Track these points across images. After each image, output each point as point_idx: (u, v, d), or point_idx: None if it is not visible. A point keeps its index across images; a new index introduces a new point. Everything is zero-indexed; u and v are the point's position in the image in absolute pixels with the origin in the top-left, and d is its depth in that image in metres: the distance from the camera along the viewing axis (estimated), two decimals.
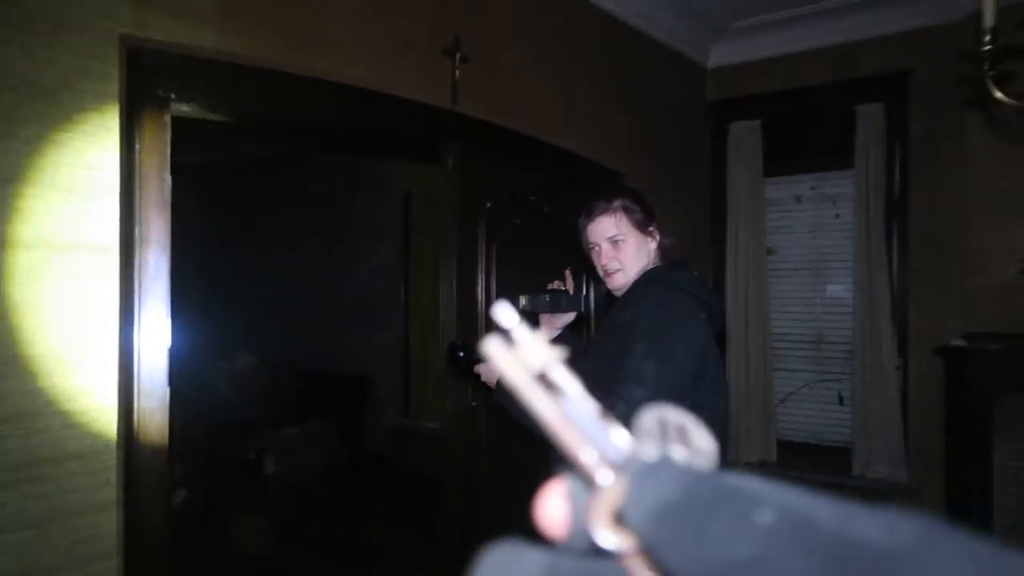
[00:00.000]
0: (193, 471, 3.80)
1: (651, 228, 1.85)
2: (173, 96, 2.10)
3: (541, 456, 1.70)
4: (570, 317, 1.99)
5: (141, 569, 1.97)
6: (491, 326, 2.85)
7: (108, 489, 1.88)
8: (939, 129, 4.12)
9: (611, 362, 1.59)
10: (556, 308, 1.99)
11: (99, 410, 1.89)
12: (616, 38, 4.03)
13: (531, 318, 2.00)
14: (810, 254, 4.71)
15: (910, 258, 4.24)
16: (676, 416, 0.29)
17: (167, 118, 2.08)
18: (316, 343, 6.98)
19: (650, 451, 0.27)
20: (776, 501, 0.24)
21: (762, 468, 4.56)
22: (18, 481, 1.73)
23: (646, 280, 1.79)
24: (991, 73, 1.74)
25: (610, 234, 1.83)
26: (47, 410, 1.79)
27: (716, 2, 4.30)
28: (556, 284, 2.04)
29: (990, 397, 3.66)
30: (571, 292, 1.99)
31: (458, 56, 2.95)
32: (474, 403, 2.94)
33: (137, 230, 2.00)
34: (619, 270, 1.84)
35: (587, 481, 0.28)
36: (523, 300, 1.98)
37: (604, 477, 0.27)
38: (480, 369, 1.90)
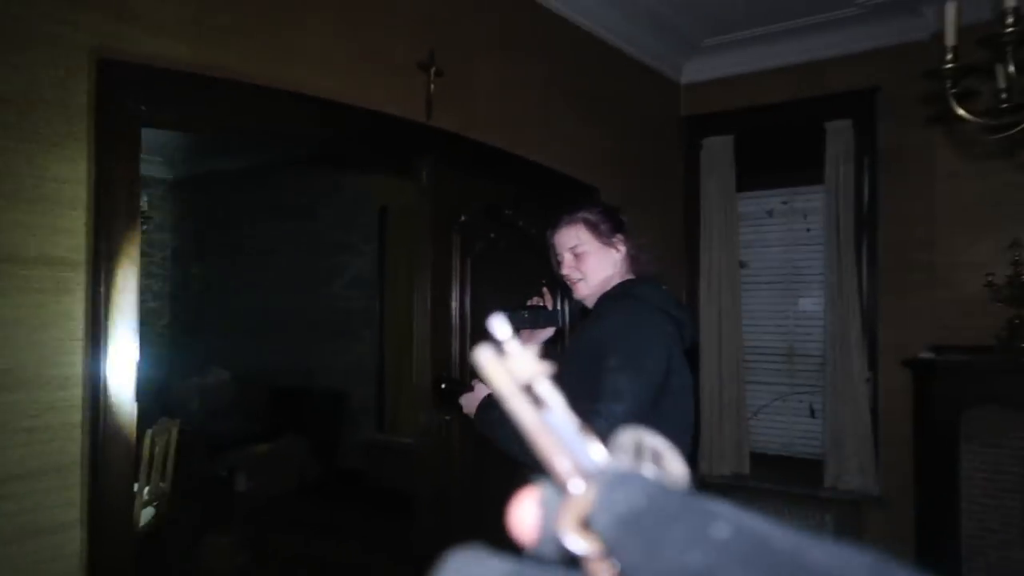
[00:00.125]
0: (164, 488, 3.72)
1: (614, 239, 1.85)
2: (144, 108, 2.07)
3: (515, 471, 1.70)
4: (549, 332, 2.00)
5: None
6: (465, 339, 2.84)
7: (71, 508, 1.84)
8: (906, 145, 4.20)
9: (582, 375, 1.60)
10: (535, 324, 2.00)
11: (64, 427, 1.85)
12: (591, 54, 4.07)
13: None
14: (782, 268, 4.77)
15: (879, 272, 4.31)
16: (652, 439, 0.30)
17: (137, 131, 2.06)
18: (290, 358, 6.92)
19: (623, 464, 0.29)
20: (735, 519, 0.26)
21: (735, 480, 4.59)
22: None
23: (615, 294, 1.81)
24: (953, 90, 1.78)
25: (571, 244, 1.86)
26: (10, 427, 1.75)
27: (689, 20, 4.36)
28: (535, 300, 2.05)
29: (957, 408, 3.71)
30: (549, 308, 2.00)
31: (433, 70, 2.96)
32: (448, 417, 2.92)
33: (105, 244, 1.97)
34: (581, 280, 1.86)
35: (560, 488, 0.29)
36: (507, 316, 1.98)
37: (576, 485, 0.29)
38: (462, 400, 1.90)
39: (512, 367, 0.31)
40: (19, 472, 1.76)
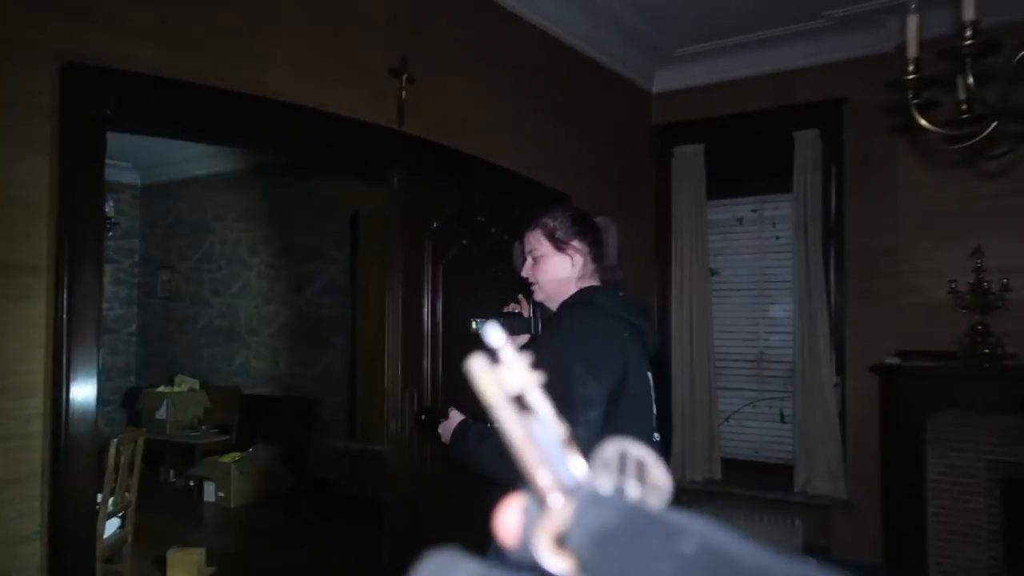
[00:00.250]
0: (129, 498, 3.65)
1: (570, 246, 1.84)
2: (109, 112, 2.04)
3: (485, 481, 1.70)
4: (524, 339, 2.01)
5: None
6: (437, 346, 2.82)
7: (32, 519, 1.80)
8: (871, 155, 4.28)
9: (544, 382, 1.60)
10: (510, 331, 2.00)
11: (24, 436, 1.81)
12: (563, 62, 4.09)
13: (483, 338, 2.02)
14: (752, 275, 4.82)
15: (846, 279, 4.37)
16: (636, 450, 0.30)
17: (102, 134, 2.03)
18: (260, 366, 6.84)
19: (603, 481, 0.29)
20: (703, 535, 0.26)
21: (707, 486, 4.62)
22: None
23: (572, 302, 1.82)
24: (916, 101, 1.82)
25: (530, 248, 1.88)
26: None
27: (660, 29, 4.40)
28: (511, 307, 2.06)
29: (922, 413, 3.78)
30: (525, 315, 2.01)
31: (405, 77, 2.95)
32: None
33: (68, 249, 1.93)
34: (535, 284, 1.88)
35: (540, 501, 0.30)
36: (476, 322, 1.99)
37: (554, 499, 0.29)
38: (440, 428, 1.90)
39: (502, 377, 0.31)
40: None
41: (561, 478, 0.30)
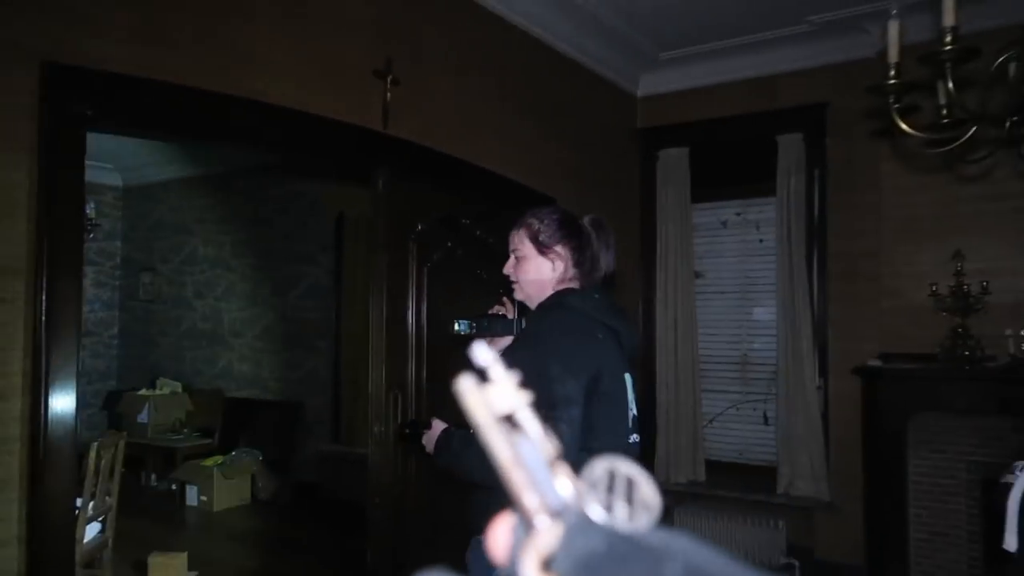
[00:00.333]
0: (109, 503, 3.61)
1: (553, 249, 1.84)
2: (90, 112, 2.02)
3: (469, 486, 1.70)
4: (507, 340, 2.01)
5: None
6: (422, 349, 2.81)
7: (9, 524, 1.77)
8: (853, 159, 4.32)
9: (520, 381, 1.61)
10: (492, 332, 2.01)
11: (2, 440, 1.78)
12: (548, 66, 4.10)
13: (467, 340, 2.04)
14: (736, 278, 4.85)
15: (829, 281, 4.41)
16: (626, 468, 0.30)
17: (82, 134, 2.01)
18: (243, 368, 6.80)
19: (591, 501, 0.30)
20: (687, 559, 0.27)
21: (691, 488, 4.63)
22: None
23: (548, 303, 1.83)
24: (897, 106, 1.83)
25: (513, 247, 1.89)
26: None
27: (645, 34, 4.42)
28: (495, 309, 2.06)
29: (904, 415, 3.81)
30: (509, 316, 2.01)
31: (389, 79, 2.94)
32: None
33: (48, 251, 1.91)
34: (516, 283, 1.89)
35: (527, 523, 0.30)
36: (459, 324, 2.00)
37: (541, 522, 0.29)
38: (424, 440, 1.91)
39: (491, 398, 0.31)
40: None
41: (548, 500, 0.30)
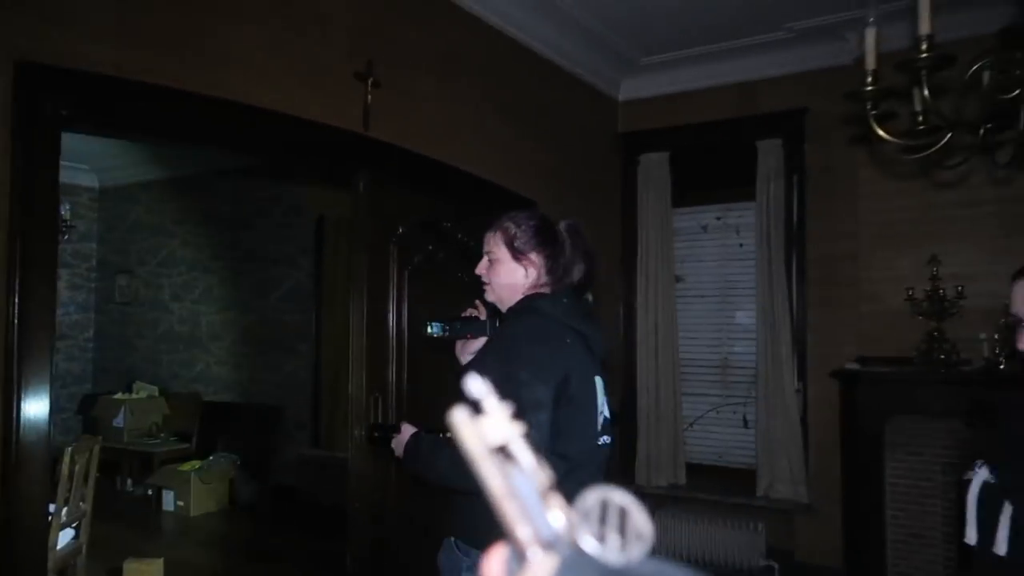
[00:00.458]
0: (83, 509, 3.56)
1: (527, 256, 1.84)
2: (65, 112, 1.99)
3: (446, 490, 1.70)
4: (481, 342, 2.01)
5: None
6: (403, 352, 2.79)
7: None
8: (832, 164, 4.37)
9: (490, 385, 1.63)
10: (464, 334, 2.01)
11: None
12: (530, 69, 4.10)
13: (439, 341, 2.05)
14: (716, 282, 4.88)
15: (808, 286, 4.45)
16: (620, 498, 0.30)
17: (57, 135, 1.98)
18: (221, 372, 6.73)
19: (583, 534, 0.30)
20: None
21: (672, 491, 4.65)
22: None
23: (518, 308, 1.84)
24: (874, 112, 1.85)
25: (488, 249, 1.89)
26: None
27: (625, 38, 4.44)
28: (469, 311, 2.06)
29: (881, 418, 3.85)
30: (482, 318, 2.01)
31: (370, 81, 2.93)
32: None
33: (20, 253, 1.88)
34: (488, 285, 1.90)
35: (519, 555, 0.30)
36: (432, 326, 2.00)
37: (534, 554, 0.30)
38: (393, 444, 1.90)
39: (483, 429, 0.31)
40: None
41: (541, 531, 0.30)
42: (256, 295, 6.56)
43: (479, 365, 1.82)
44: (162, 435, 6.39)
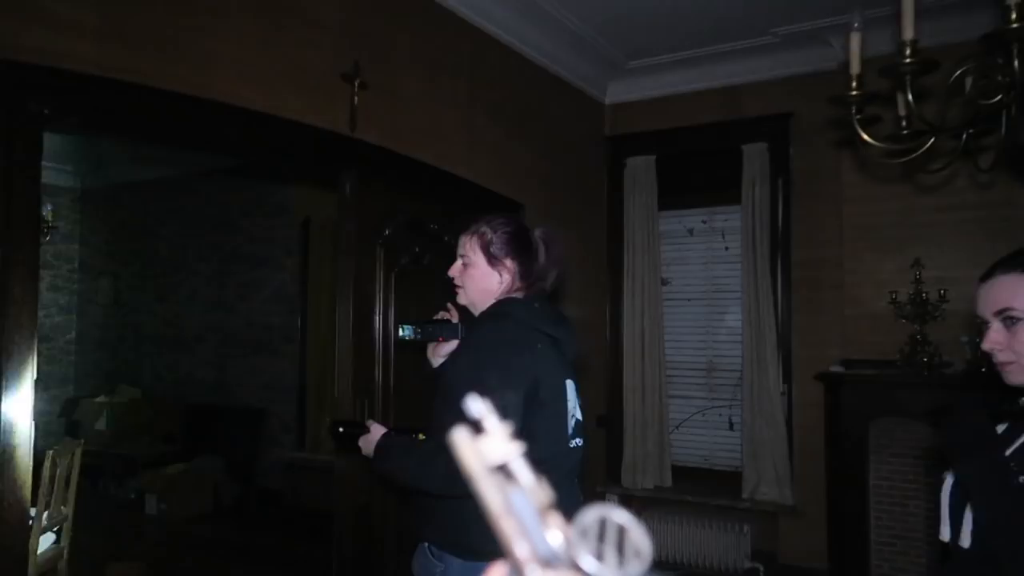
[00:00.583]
0: (64, 513, 3.52)
1: (502, 263, 1.85)
2: (47, 111, 1.97)
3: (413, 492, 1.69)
4: (453, 345, 2.02)
5: None
6: (389, 354, 2.78)
7: None
8: (816, 168, 4.40)
9: (461, 388, 1.66)
10: (436, 337, 2.02)
11: None
12: (517, 72, 4.11)
13: (421, 344, 2.07)
14: (702, 285, 4.90)
15: (793, 289, 4.48)
16: (619, 516, 0.30)
17: (38, 133, 1.95)
18: (205, 374, 6.68)
19: (581, 552, 0.30)
20: None
21: (658, 493, 4.66)
22: None
23: (489, 312, 1.85)
24: (858, 116, 1.87)
25: (463, 252, 1.89)
26: None
27: (612, 42, 4.46)
28: (441, 314, 2.07)
29: (865, 420, 3.88)
30: (454, 321, 2.02)
31: (357, 82, 2.92)
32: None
33: (2, 254, 1.85)
34: (460, 288, 1.91)
35: (518, 573, 0.30)
36: (404, 329, 2.01)
37: (532, 572, 0.30)
38: (360, 442, 1.88)
39: (483, 448, 0.32)
40: None
41: (539, 549, 0.30)
42: (241, 297, 6.52)
43: (451, 369, 1.82)
44: (145, 438, 6.34)
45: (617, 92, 5.03)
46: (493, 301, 1.86)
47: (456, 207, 3.50)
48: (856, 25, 1.89)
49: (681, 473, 4.76)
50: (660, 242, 4.85)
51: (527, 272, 1.86)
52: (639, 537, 0.30)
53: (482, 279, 1.86)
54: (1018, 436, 1.36)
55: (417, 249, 3.30)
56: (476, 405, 0.33)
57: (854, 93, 1.84)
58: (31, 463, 1.90)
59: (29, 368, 1.90)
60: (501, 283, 1.85)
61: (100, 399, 6.46)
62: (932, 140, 1.88)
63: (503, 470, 0.31)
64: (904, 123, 1.92)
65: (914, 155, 1.95)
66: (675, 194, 4.86)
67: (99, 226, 7.51)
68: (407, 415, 3.00)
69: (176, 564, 4.78)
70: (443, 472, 1.61)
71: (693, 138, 4.78)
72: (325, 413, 5.83)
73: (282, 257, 6.32)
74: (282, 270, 6.32)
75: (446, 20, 3.55)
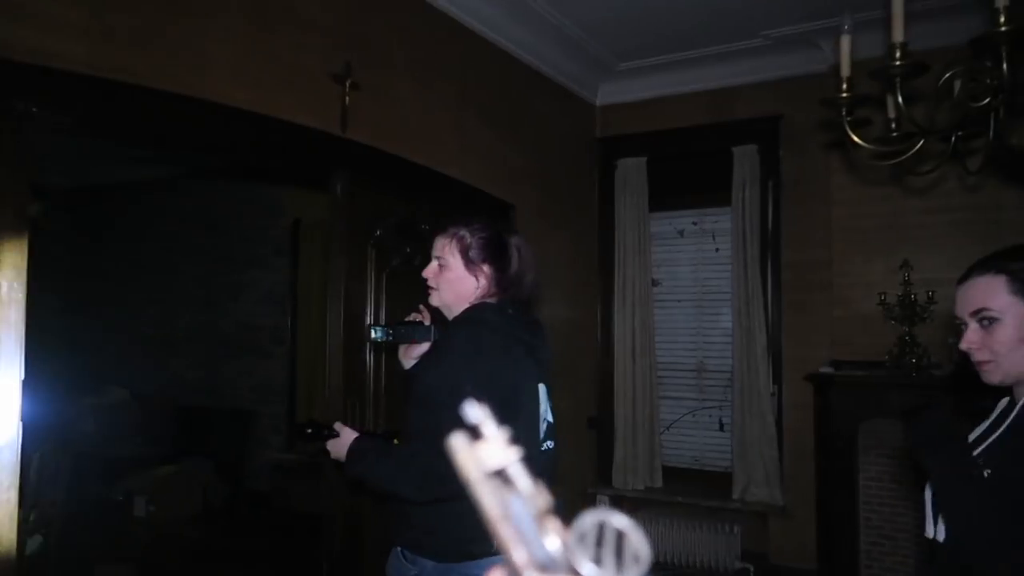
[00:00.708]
0: (51, 514, 3.49)
1: (479, 268, 1.86)
2: (35, 110, 1.96)
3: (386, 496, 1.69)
4: (424, 347, 2.03)
5: None
6: (380, 355, 2.78)
7: None
8: (806, 170, 4.42)
9: (435, 392, 1.71)
10: (408, 339, 2.02)
11: None
12: (508, 73, 4.11)
13: (386, 345, 2.08)
14: (692, 286, 4.91)
15: (783, 290, 4.50)
16: (617, 520, 0.30)
17: (28, 133, 1.94)
18: (195, 376, 6.64)
19: (579, 558, 0.30)
20: None
21: (648, 494, 4.67)
22: None
23: (463, 318, 1.86)
24: (848, 118, 1.88)
25: (439, 254, 1.90)
26: None
27: (602, 44, 4.47)
28: (413, 316, 2.07)
29: (854, 420, 3.90)
30: (426, 323, 2.03)
31: (348, 82, 2.92)
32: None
33: None
34: (435, 289, 1.91)
35: None
36: (375, 330, 2.02)
37: None
38: (329, 445, 1.88)
39: (481, 454, 0.31)
40: None
41: (537, 555, 0.30)
42: (231, 297, 6.49)
43: (427, 376, 1.82)
44: (134, 439, 6.29)
45: (608, 94, 5.04)
46: (467, 305, 1.86)
47: (447, 208, 3.50)
48: (846, 28, 1.90)
49: (671, 474, 4.78)
50: (651, 243, 4.86)
51: (502, 278, 1.88)
52: (637, 542, 0.30)
53: (458, 282, 1.87)
54: (991, 434, 1.39)
55: (408, 250, 3.29)
56: (474, 411, 0.32)
57: (844, 95, 1.85)
58: (19, 464, 1.89)
59: (17, 368, 1.89)
60: (477, 287, 1.87)
61: (88, 400, 6.41)
62: (921, 142, 1.90)
63: (501, 475, 0.31)
64: (894, 125, 1.93)
65: (903, 157, 1.96)
66: (666, 196, 4.87)
67: (88, 225, 7.45)
68: (397, 416, 2.99)
69: (165, 566, 4.74)
70: (419, 477, 1.62)
71: (684, 140, 4.79)
72: (316, 415, 5.80)
73: (272, 258, 6.30)
74: (272, 271, 6.29)
75: (438, 21, 3.55)
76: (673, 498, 4.61)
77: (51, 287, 7.39)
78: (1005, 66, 1.56)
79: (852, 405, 3.90)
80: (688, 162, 4.84)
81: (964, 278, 1.45)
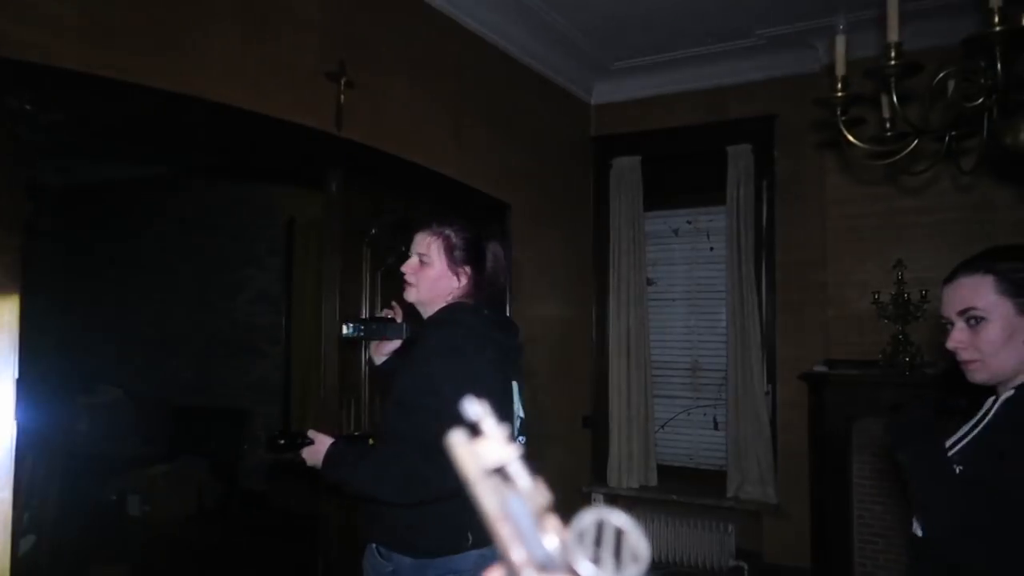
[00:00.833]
0: (45, 515, 3.48)
1: (461, 268, 1.88)
2: (28, 108, 1.95)
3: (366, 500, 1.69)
4: (396, 344, 2.03)
5: None
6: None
7: None
8: (800, 170, 4.43)
9: (411, 392, 1.73)
10: (380, 336, 2.02)
11: None
12: (503, 72, 4.11)
13: (359, 342, 2.09)
14: (687, 285, 4.92)
15: (777, 290, 4.51)
16: (617, 519, 0.30)
17: (20, 131, 1.93)
18: (189, 375, 6.62)
19: (578, 557, 0.30)
20: None
21: (643, 492, 4.68)
22: None
23: (438, 319, 1.87)
24: (843, 118, 1.89)
25: (421, 251, 1.90)
26: None
27: (598, 43, 4.47)
28: (385, 312, 2.08)
29: (848, 420, 3.91)
30: (398, 320, 2.03)
31: (343, 81, 2.91)
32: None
33: None
34: (413, 286, 1.91)
35: None
36: (347, 327, 2.02)
37: None
38: (304, 453, 1.87)
39: (480, 451, 0.32)
40: None
41: (535, 554, 0.30)
42: (225, 297, 6.47)
43: (404, 374, 1.83)
44: (128, 438, 6.27)
45: (603, 93, 5.05)
46: (442, 304, 1.88)
47: (443, 206, 3.50)
48: (841, 27, 1.91)
49: (666, 472, 4.79)
50: (645, 242, 4.87)
51: (480, 280, 1.91)
52: (637, 541, 0.30)
53: (438, 280, 1.87)
54: (970, 432, 1.41)
55: (403, 248, 3.27)
56: (473, 408, 0.32)
57: (839, 95, 1.86)
58: (13, 463, 1.88)
59: (11, 368, 1.88)
60: (457, 287, 1.88)
61: (82, 399, 6.39)
62: (915, 142, 1.90)
63: (500, 473, 0.31)
64: (888, 125, 1.94)
65: (897, 157, 1.97)
66: (660, 195, 4.88)
67: (81, 224, 7.42)
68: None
69: (159, 566, 4.73)
70: (400, 480, 1.63)
71: (678, 139, 4.80)
72: (310, 415, 5.79)
73: (266, 257, 6.28)
74: (266, 270, 6.28)
75: (433, 20, 3.54)
76: (668, 496, 4.62)
77: (44, 286, 7.37)
78: (999, 66, 1.57)
79: (846, 404, 3.91)
80: (683, 161, 4.85)
81: (950, 278, 1.46)
